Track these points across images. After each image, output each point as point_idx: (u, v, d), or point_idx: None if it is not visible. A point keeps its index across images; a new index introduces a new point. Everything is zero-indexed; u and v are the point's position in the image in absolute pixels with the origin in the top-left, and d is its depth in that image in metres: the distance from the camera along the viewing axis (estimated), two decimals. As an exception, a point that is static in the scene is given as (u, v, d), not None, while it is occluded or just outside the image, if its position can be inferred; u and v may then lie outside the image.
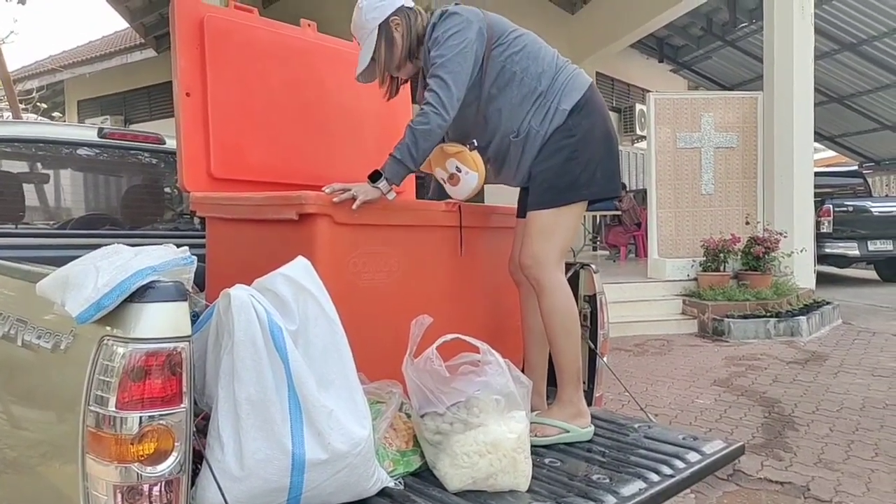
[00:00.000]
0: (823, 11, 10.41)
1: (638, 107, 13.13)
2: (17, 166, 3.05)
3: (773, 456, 3.48)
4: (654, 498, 1.61)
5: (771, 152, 7.63)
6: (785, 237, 7.16)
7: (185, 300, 1.26)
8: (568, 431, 1.94)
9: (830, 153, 18.11)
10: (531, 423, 1.95)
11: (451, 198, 2.07)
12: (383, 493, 1.49)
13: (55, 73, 12.25)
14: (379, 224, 1.84)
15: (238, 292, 1.35)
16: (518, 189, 2.20)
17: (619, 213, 11.04)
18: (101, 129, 2.84)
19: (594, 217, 12.03)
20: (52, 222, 3.19)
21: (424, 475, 1.63)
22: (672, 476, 1.70)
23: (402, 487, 1.54)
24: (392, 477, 1.54)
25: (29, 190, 3.14)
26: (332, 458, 1.34)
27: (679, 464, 1.76)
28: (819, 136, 14.29)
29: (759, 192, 7.78)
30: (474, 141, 2.00)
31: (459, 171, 1.98)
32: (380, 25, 2.00)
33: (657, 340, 6.46)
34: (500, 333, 2.19)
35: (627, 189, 11.90)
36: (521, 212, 2.16)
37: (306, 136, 2.35)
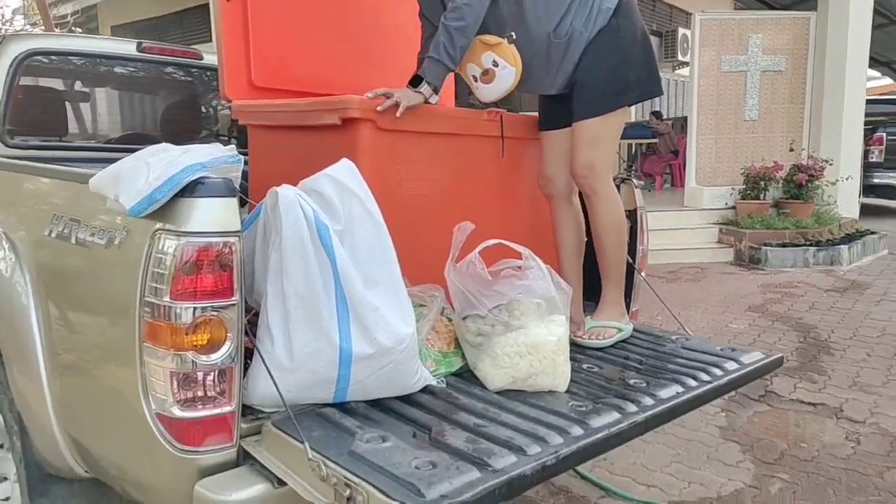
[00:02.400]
0: (887, -77, 9.70)
1: (680, 31, 12.54)
2: (58, 82, 3.09)
3: (807, 378, 3.49)
4: (691, 401, 1.63)
5: (821, 76, 7.30)
6: (830, 165, 6.94)
7: (235, 196, 1.28)
8: (622, 330, 2.01)
9: (887, 80, 17.20)
10: (591, 328, 2.01)
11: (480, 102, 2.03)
12: (426, 390, 1.54)
13: (89, -4, 12.15)
14: (422, 131, 1.82)
15: (285, 191, 1.37)
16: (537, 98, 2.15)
17: (654, 140, 10.77)
18: (139, 44, 2.84)
19: (629, 145, 11.76)
20: (92, 140, 3.24)
21: (465, 375, 1.67)
22: (710, 382, 1.71)
23: (444, 385, 1.58)
24: (434, 376, 1.59)
25: (71, 106, 3.18)
26: (378, 353, 1.38)
27: (717, 371, 1.77)
28: (874, 62, 13.55)
29: (806, 118, 7.49)
30: (512, 34, 1.90)
31: (496, 66, 1.90)
32: None
33: (691, 268, 6.42)
34: (541, 246, 2.17)
35: (663, 117, 11.56)
36: (549, 123, 2.11)
37: (346, 48, 2.32)
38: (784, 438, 2.82)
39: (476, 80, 1.96)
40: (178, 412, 1.24)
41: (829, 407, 3.13)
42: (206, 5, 7.31)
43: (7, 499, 1.89)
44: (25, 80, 2.69)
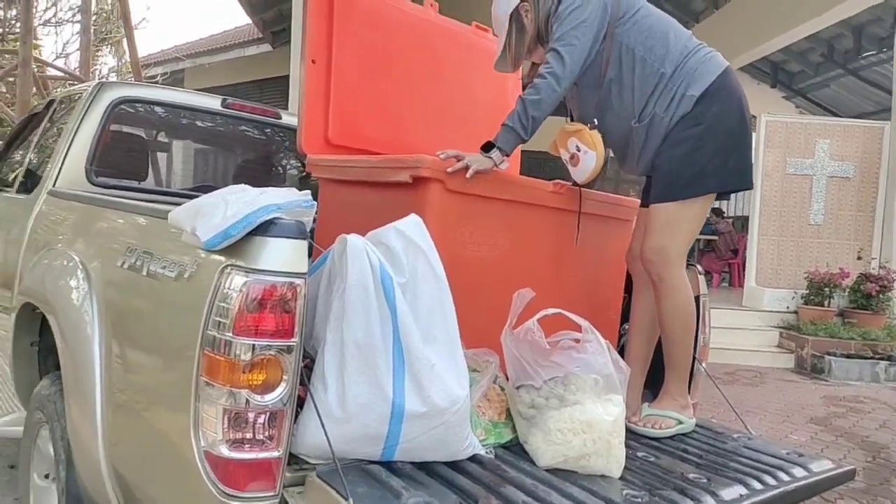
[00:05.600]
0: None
1: (745, 132, 12.55)
2: (144, 130, 3.26)
3: None
4: (755, 506, 1.51)
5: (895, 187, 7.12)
6: (903, 277, 6.67)
7: (306, 239, 1.29)
8: (682, 423, 1.91)
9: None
10: (648, 416, 1.93)
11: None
12: (474, 458, 1.48)
13: (178, 61, 13.05)
14: (488, 196, 1.83)
15: (354, 239, 1.38)
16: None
17: (714, 237, 10.61)
18: (224, 99, 2.98)
19: (688, 241, 11.60)
20: (167, 188, 3.38)
21: (514, 449, 1.60)
22: (776, 487, 1.60)
23: (492, 456, 1.52)
24: (483, 445, 1.53)
25: (152, 154, 3.34)
26: (431, 413, 1.34)
27: (784, 476, 1.66)
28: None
29: (878, 227, 7.26)
30: (595, 120, 1.96)
31: (579, 151, 1.95)
32: (511, 14, 2.02)
33: (748, 371, 6.15)
34: (595, 324, 2.13)
35: (724, 215, 11.42)
36: (643, 200, 2.11)
37: (420, 114, 2.38)
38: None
39: (567, 163, 2.02)
40: (226, 451, 1.21)
41: (901, 536, 2.87)
42: (285, 76, 7.74)
43: (42, 530, 1.87)
44: (115, 126, 2.85)
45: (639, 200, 2.22)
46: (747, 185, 2.00)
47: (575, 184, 2.05)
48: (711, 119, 1.90)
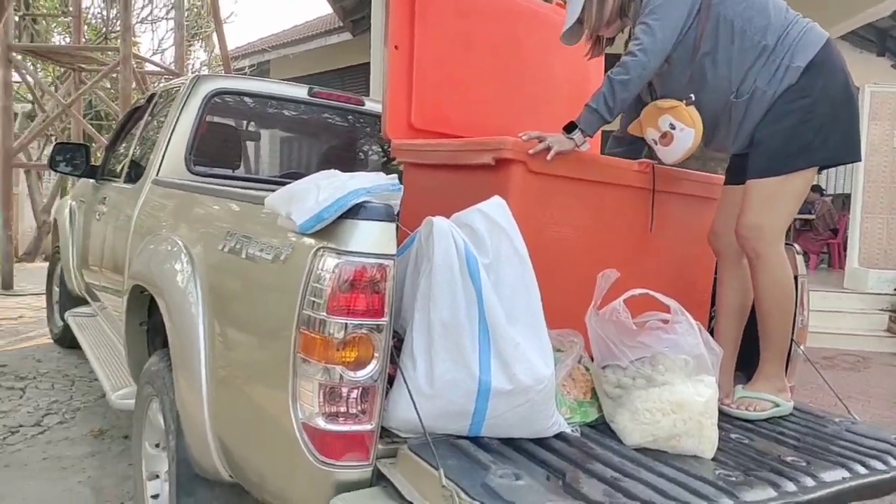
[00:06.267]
0: None
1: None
2: (236, 120, 3.41)
3: None
4: (860, 490, 1.45)
5: None
6: None
7: (394, 221, 1.33)
8: (779, 405, 1.86)
9: None
10: (743, 398, 1.88)
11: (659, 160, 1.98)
12: (560, 436, 1.49)
13: (263, 53, 13.48)
14: (570, 177, 1.82)
15: (440, 221, 1.41)
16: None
17: (811, 216, 10.04)
18: (310, 88, 3.08)
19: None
20: (257, 175, 3.52)
21: (601, 427, 1.60)
22: (885, 472, 1.52)
23: (578, 434, 1.52)
24: (569, 424, 1.53)
25: (243, 142, 3.50)
26: (516, 390, 1.36)
27: (893, 461, 1.58)
28: None
29: None
30: (691, 95, 1.88)
31: (673, 129, 1.87)
32: None
33: (850, 356, 5.82)
34: (684, 305, 2.08)
35: (824, 193, 10.77)
36: (731, 178, 2.03)
37: (501, 97, 2.39)
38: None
39: (656, 144, 1.95)
40: (322, 423, 1.28)
41: None
42: (365, 63, 7.88)
43: (157, 496, 2.02)
44: (210, 117, 2.99)
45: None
46: (856, 156, 1.91)
47: (660, 164, 1.99)
48: (819, 91, 1.82)
